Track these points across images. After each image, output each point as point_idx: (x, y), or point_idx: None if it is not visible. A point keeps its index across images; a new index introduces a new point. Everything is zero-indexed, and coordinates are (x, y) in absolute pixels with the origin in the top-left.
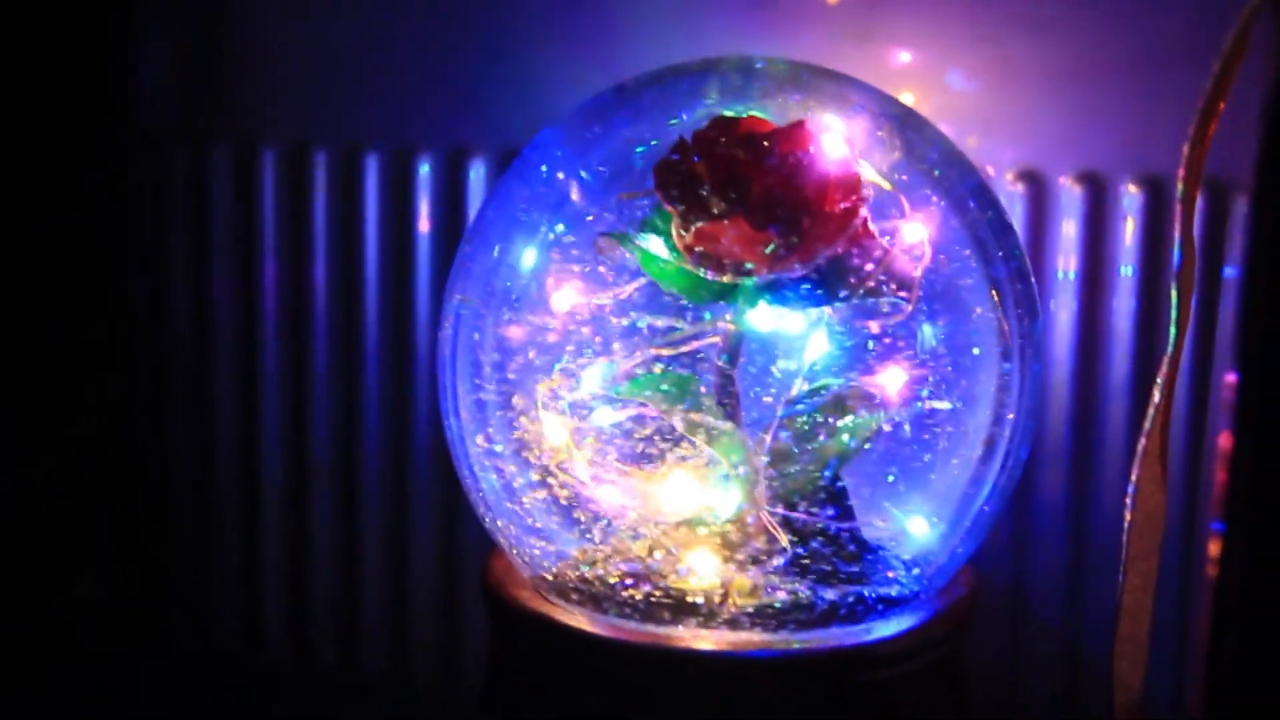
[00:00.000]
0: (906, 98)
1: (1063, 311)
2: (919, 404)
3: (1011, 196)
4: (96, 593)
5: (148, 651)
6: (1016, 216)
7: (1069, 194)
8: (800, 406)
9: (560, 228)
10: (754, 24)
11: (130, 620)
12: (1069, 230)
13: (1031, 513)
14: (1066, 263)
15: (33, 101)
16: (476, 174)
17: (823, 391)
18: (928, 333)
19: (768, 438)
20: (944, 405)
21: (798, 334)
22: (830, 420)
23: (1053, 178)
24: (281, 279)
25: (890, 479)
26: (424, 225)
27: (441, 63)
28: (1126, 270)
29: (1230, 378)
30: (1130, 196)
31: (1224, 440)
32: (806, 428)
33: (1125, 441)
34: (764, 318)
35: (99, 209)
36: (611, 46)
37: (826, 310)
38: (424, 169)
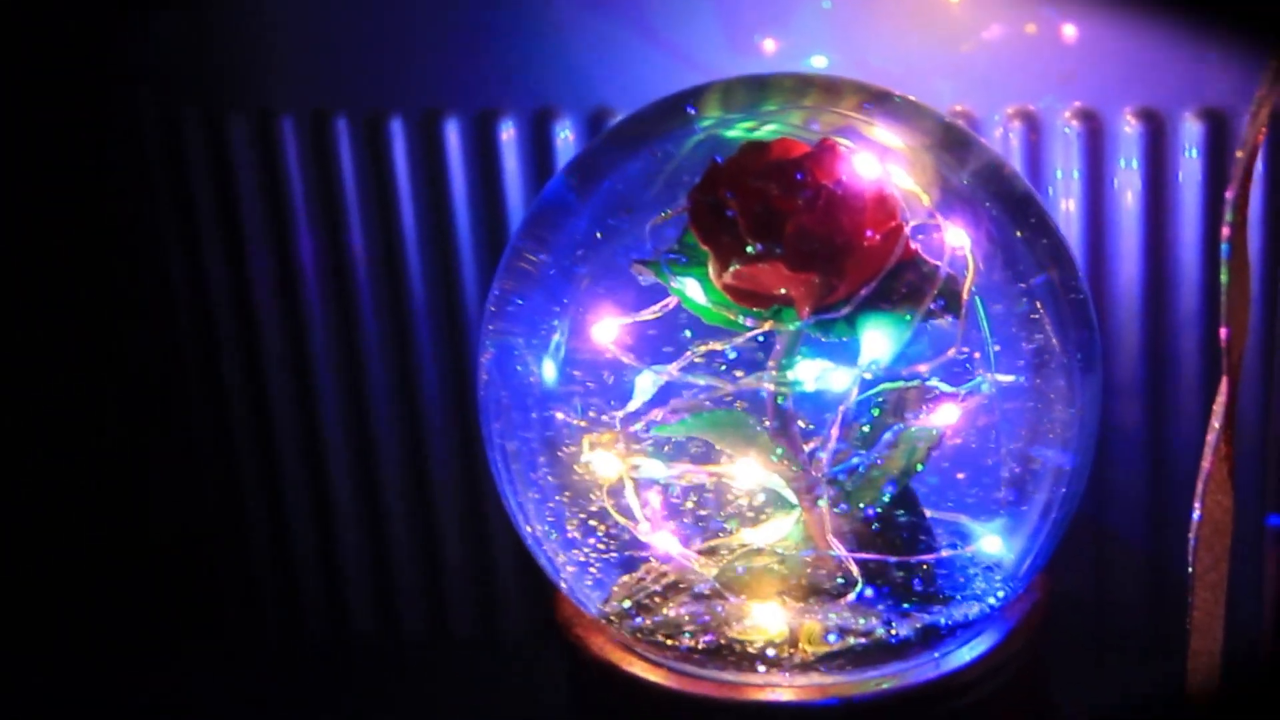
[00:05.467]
0: None
1: None
2: (983, 386)
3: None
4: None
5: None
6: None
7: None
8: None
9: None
10: None
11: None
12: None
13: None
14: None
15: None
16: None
17: (879, 396)
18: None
19: (828, 453)
20: (1008, 379)
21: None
22: (892, 425)
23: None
24: (318, 251)
25: (957, 482)
26: (459, 189)
27: (468, 22)
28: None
29: None
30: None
31: None
32: (868, 433)
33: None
34: (809, 372)
35: (121, 187)
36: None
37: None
38: (451, 131)
